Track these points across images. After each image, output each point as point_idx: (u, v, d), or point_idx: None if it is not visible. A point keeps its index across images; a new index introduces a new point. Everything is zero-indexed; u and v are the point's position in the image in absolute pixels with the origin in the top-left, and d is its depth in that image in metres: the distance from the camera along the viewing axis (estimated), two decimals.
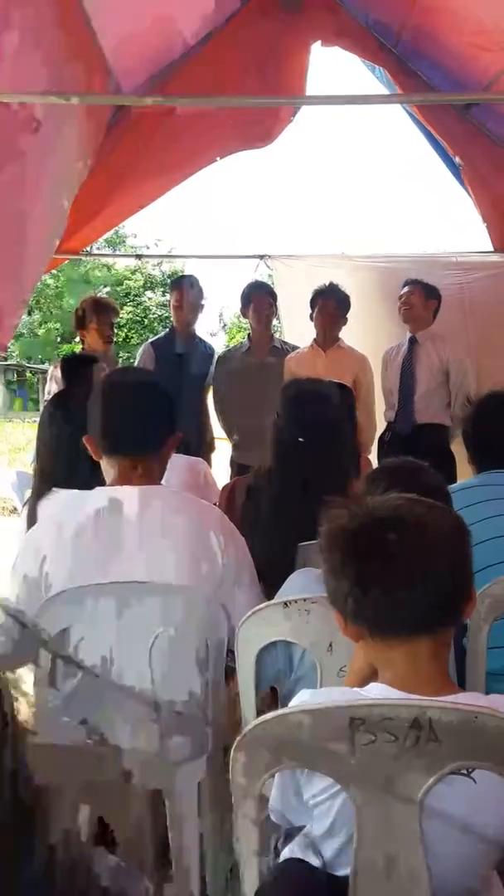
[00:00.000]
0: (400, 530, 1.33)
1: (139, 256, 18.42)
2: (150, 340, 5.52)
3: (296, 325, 5.76)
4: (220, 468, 5.22)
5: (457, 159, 4.99)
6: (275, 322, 5.62)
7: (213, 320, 30.99)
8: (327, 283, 5.07)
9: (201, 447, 4.96)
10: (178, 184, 5.19)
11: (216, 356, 5.40)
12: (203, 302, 5.35)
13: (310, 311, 5.10)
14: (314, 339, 5.12)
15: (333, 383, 2.88)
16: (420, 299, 5.01)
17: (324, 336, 5.09)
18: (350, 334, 5.23)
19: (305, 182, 57.48)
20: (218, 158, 5.14)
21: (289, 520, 2.35)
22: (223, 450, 5.50)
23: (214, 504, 2.76)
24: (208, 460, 4.96)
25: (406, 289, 5.06)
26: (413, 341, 5.10)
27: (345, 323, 5.09)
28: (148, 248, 29.80)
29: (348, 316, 5.13)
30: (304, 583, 1.94)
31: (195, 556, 2.03)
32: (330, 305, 5.02)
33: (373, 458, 4.84)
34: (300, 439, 2.41)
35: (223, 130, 4.97)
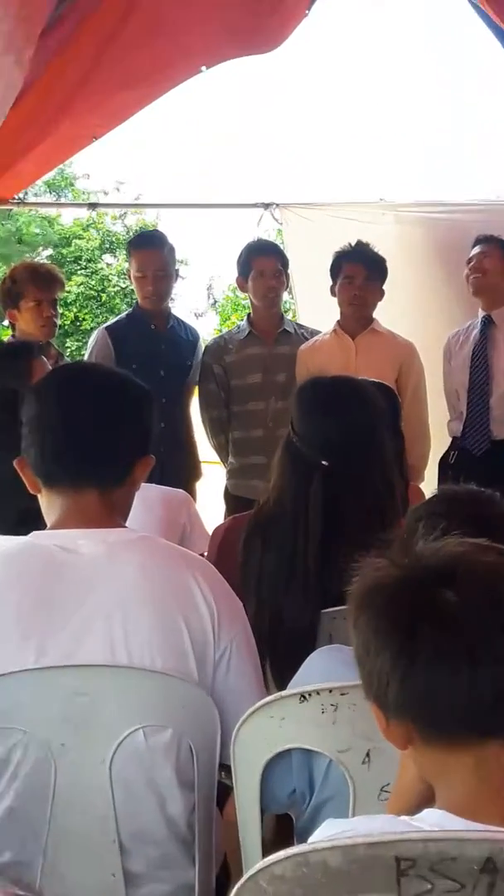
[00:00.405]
0: (462, 586, 1.37)
1: (93, 206, 18.37)
2: (105, 324, 5.58)
3: (315, 302, 5.81)
4: (210, 502, 5.31)
5: None
6: (286, 297, 5.67)
7: (200, 295, 31.28)
8: (354, 243, 5.09)
9: (183, 473, 4.99)
10: (150, 102, 5.22)
11: (202, 345, 5.46)
12: (177, 268, 5.42)
13: (331, 281, 5.15)
14: (338, 322, 5.18)
15: (369, 383, 2.90)
16: (499, 262, 5.10)
17: (352, 317, 5.14)
18: (391, 314, 5.28)
19: (326, 102, 55.34)
20: (204, 68, 5.22)
21: (307, 576, 2.42)
22: (214, 477, 5.59)
23: (201, 555, 2.80)
24: (192, 492, 5.04)
25: (477, 249, 5.14)
26: (488, 322, 5.15)
27: (381, 297, 5.13)
28: (106, 193, 30.01)
29: (386, 287, 5.16)
30: (328, 665, 1.96)
31: (173, 627, 2.04)
32: (358, 273, 5.05)
33: (429, 486, 4.79)
34: (322, 462, 2.47)
35: (211, 28, 4.99)
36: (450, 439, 5.19)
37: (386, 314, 5.26)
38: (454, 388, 5.19)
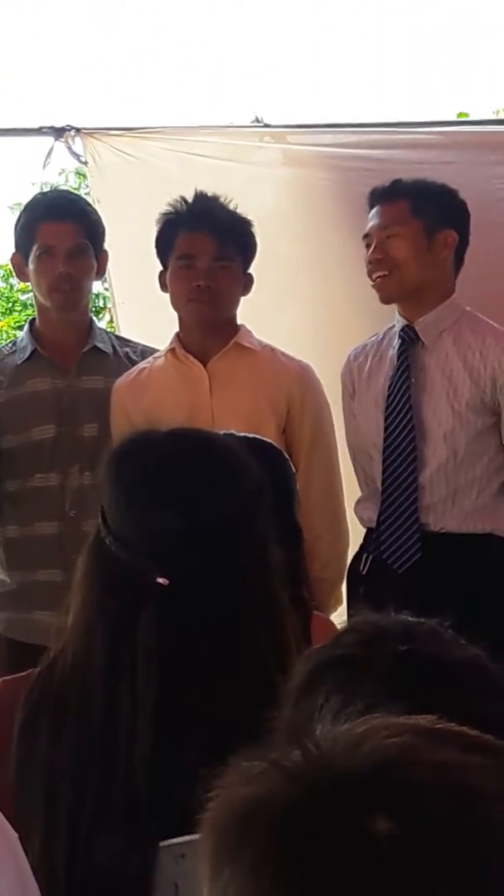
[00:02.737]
0: (404, 811, 1.05)
1: None
2: None
3: (146, 299, 4.44)
4: None
5: None
6: (100, 287, 4.80)
7: None
8: (195, 196, 3.80)
9: None
10: None
11: None
12: None
13: (160, 265, 3.87)
14: (177, 336, 3.90)
15: (235, 439, 2.39)
16: (413, 240, 3.75)
17: (196, 325, 3.84)
18: (272, 317, 4.26)
19: None
20: None
21: (133, 784, 2.02)
22: None
23: None
24: None
25: (374, 219, 3.84)
26: (410, 338, 3.87)
27: (245, 289, 3.87)
28: None
29: (265, 271, 3.94)
30: None
31: None
32: (202, 249, 3.74)
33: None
34: (158, 580, 2.06)
35: None
36: (361, 532, 3.92)
37: (263, 318, 4.06)
38: (363, 447, 3.97)
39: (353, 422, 4.01)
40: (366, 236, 3.84)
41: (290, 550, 2.38)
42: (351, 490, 4.02)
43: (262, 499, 2.18)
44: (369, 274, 3.81)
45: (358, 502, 3.99)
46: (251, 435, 2.72)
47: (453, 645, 1.69)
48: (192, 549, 2.09)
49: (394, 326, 3.92)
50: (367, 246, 3.81)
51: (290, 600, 2.19)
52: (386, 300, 3.86)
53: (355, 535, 4.03)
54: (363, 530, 3.98)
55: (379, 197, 3.84)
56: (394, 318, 3.94)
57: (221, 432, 2.43)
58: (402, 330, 3.87)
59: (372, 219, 3.83)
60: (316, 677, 1.63)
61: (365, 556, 3.88)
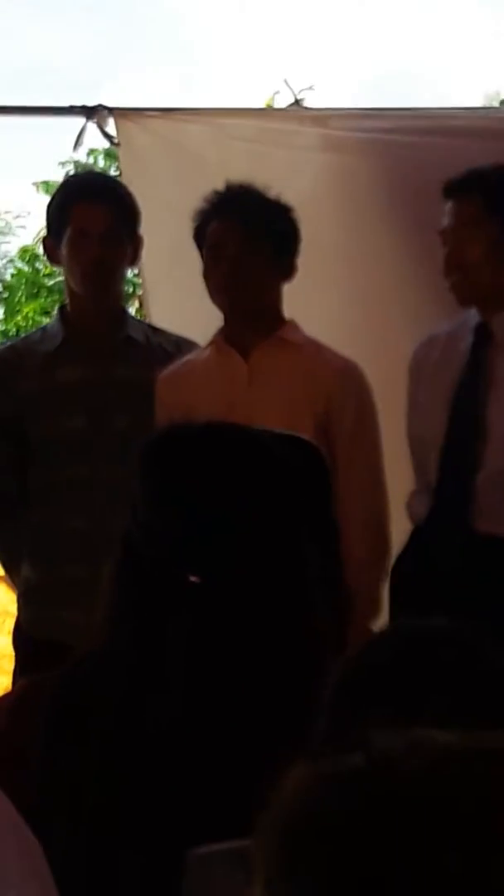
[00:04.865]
0: (468, 825, 1.06)
1: None
2: None
3: (178, 288, 4.44)
4: None
5: None
6: (133, 275, 4.66)
7: None
8: (226, 187, 3.73)
9: None
10: None
11: None
12: None
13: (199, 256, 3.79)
14: (221, 329, 3.81)
15: (271, 436, 2.37)
16: (485, 241, 3.59)
17: (232, 315, 3.75)
18: (318, 309, 4.07)
19: None
20: None
21: (166, 787, 2.01)
22: None
23: None
24: None
25: (448, 216, 3.68)
26: (485, 335, 3.75)
27: (282, 278, 3.77)
28: None
29: (312, 262, 3.82)
30: None
31: None
32: (231, 237, 3.67)
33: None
34: (191, 578, 2.10)
35: None
36: (412, 527, 3.80)
37: (310, 310, 3.91)
38: (422, 437, 3.83)
39: (415, 411, 3.90)
40: (441, 233, 3.72)
41: (324, 548, 2.40)
42: (400, 491, 3.91)
43: (295, 496, 2.19)
44: (445, 275, 3.72)
45: (412, 495, 3.89)
46: (287, 431, 2.70)
47: (494, 651, 1.64)
48: (224, 547, 2.08)
49: (467, 321, 3.82)
50: (444, 243, 3.71)
51: (325, 600, 2.17)
52: (462, 303, 3.78)
53: (402, 533, 3.92)
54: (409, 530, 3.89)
55: (452, 191, 3.71)
56: (438, 316, 3.87)
57: (256, 427, 2.42)
58: (476, 327, 3.78)
59: (446, 216, 3.72)
60: (352, 685, 1.60)
61: (410, 555, 3.80)
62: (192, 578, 2.10)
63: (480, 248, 3.64)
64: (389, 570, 3.76)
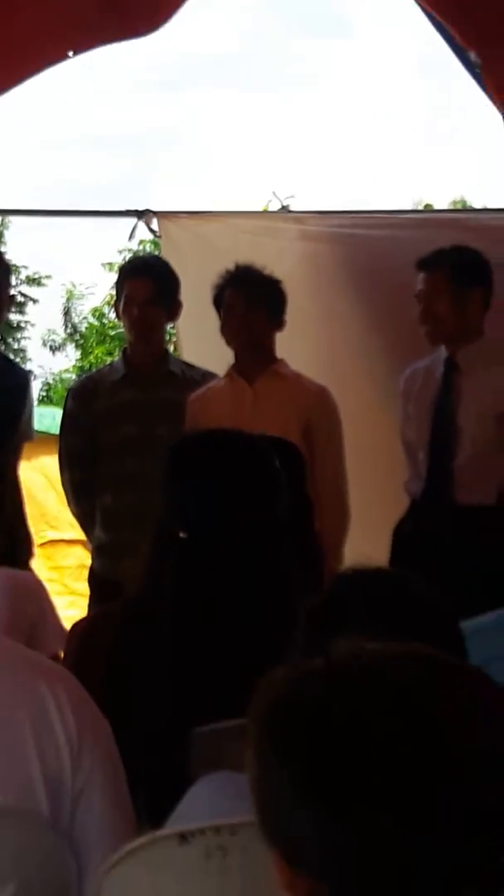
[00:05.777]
0: (411, 713, 1.20)
1: None
2: None
3: (201, 335, 5.36)
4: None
5: (472, 55, 4.78)
6: (170, 327, 5.36)
7: (55, 321, 26.17)
8: (235, 267, 4.70)
9: (12, 551, 4.38)
10: (7, 88, 4.84)
11: (33, 390, 5.17)
12: (11, 291, 5.10)
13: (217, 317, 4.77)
14: (232, 365, 4.76)
15: (260, 438, 2.78)
16: (451, 302, 4.44)
17: (242, 355, 4.72)
18: (302, 352, 4.97)
19: (215, 91, 48.20)
20: (71, 54, 4.85)
21: (188, 685, 2.26)
22: (76, 556, 5.37)
23: (55, 656, 2.76)
24: None
25: (421, 283, 4.47)
26: (452, 367, 4.58)
27: (274, 328, 4.73)
28: None
29: (295, 319, 4.77)
30: (214, 798, 1.80)
31: (18, 754, 1.87)
32: (237, 301, 4.63)
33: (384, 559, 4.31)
34: (180, 534, 2.38)
35: (77, 5, 4.68)
36: (409, 501, 4.65)
37: (294, 352, 4.86)
38: (415, 439, 4.66)
39: (408, 420, 4.70)
40: (416, 295, 4.48)
41: (300, 516, 2.93)
42: (389, 477, 4.83)
43: (274, 478, 2.53)
44: (420, 323, 4.51)
45: (408, 480, 4.67)
46: (277, 436, 3.25)
47: (419, 589, 1.85)
48: (204, 512, 2.40)
49: (439, 356, 4.60)
50: (419, 302, 4.47)
51: (295, 551, 2.52)
52: (433, 343, 4.57)
53: (399, 510, 4.67)
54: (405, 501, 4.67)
55: (424, 265, 4.47)
56: (396, 362, 4.85)
57: (253, 433, 2.85)
58: (445, 359, 4.57)
59: (420, 283, 4.47)
60: (318, 613, 1.81)
61: (407, 523, 4.56)
62: (182, 535, 2.42)
63: (445, 306, 4.44)
64: (345, 531, 4.62)
